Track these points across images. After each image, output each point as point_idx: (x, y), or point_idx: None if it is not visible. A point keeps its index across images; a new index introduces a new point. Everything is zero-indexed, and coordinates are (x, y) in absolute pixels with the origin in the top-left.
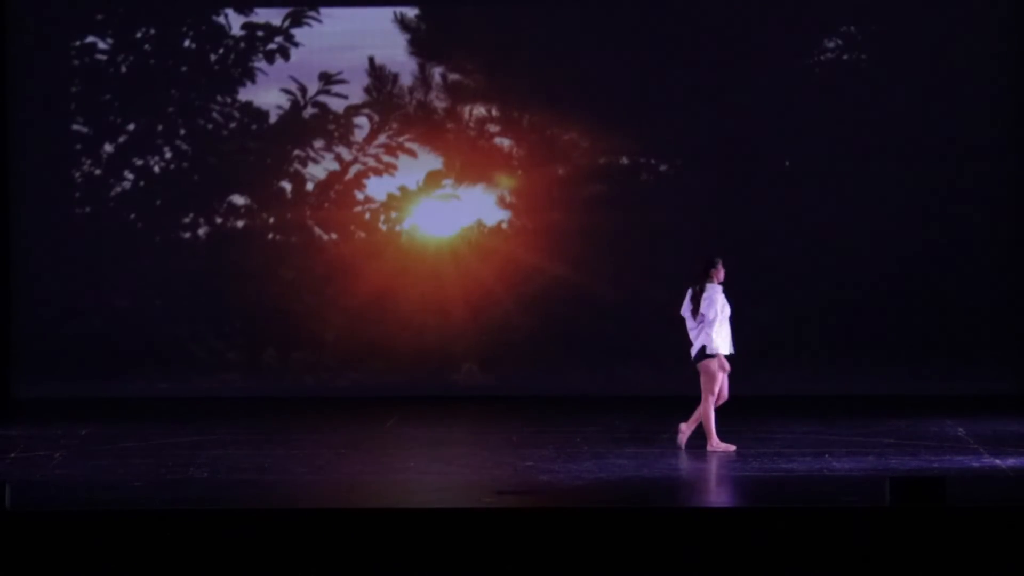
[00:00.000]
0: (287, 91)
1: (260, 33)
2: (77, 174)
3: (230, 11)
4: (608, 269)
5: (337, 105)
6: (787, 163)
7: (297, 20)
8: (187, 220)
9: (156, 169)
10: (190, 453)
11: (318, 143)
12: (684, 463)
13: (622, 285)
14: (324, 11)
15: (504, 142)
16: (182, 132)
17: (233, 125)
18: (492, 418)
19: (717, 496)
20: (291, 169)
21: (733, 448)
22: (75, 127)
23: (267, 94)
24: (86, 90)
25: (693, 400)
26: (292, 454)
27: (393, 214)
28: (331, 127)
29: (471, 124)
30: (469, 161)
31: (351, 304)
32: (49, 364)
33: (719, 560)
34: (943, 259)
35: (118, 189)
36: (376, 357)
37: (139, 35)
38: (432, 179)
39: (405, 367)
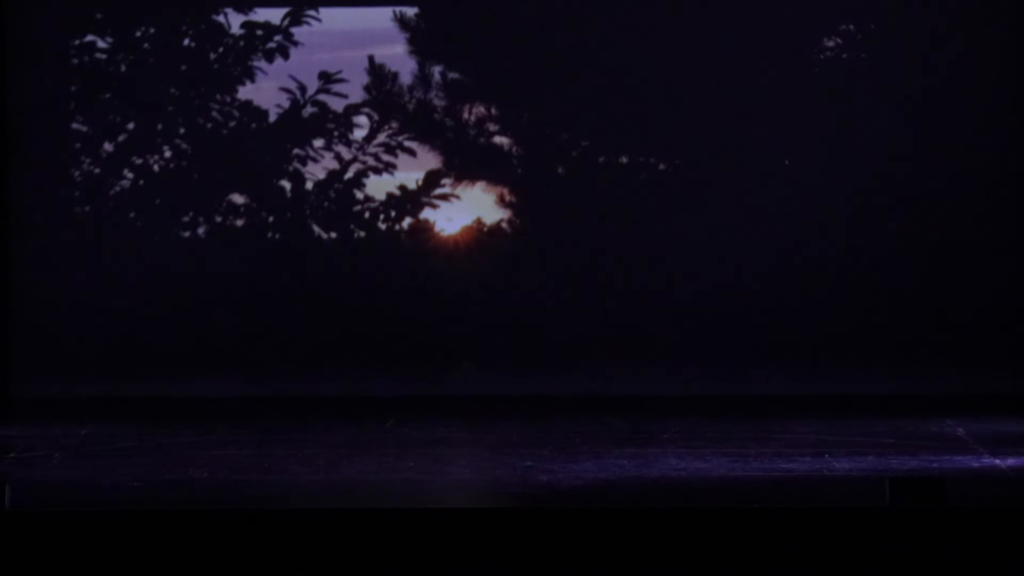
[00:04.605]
0: (287, 90)
1: (259, 32)
2: (77, 174)
3: (230, 10)
4: (607, 268)
5: (337, 104)
6: (787, 162)
7: (297, 19)
8: (187, 220)
9: (156, 168)
10: (190, 453)
11: (318, 142)
12: (684, 463)
13: (621, 285)
14: (324, 11)
15: (504, 141)
16: (182, 131)
17: (233, 124)
18: (492, 418)
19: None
20: (291, 168)
21: None
22: (75, 126)
23: (267, 93)
24: (86, 90)
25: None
26: (292, 454)
27: (392, 213)
28: (331, 126)
29: (471, 123)
30: (469, 160)
31: (350, 303)
32: (49, 364)
33: (719, 560)
34: (943, 258)
35: (118, 189)
36: (376, 357)
37: (139, 34)
38: (432, 178)
39: (405, 366)
